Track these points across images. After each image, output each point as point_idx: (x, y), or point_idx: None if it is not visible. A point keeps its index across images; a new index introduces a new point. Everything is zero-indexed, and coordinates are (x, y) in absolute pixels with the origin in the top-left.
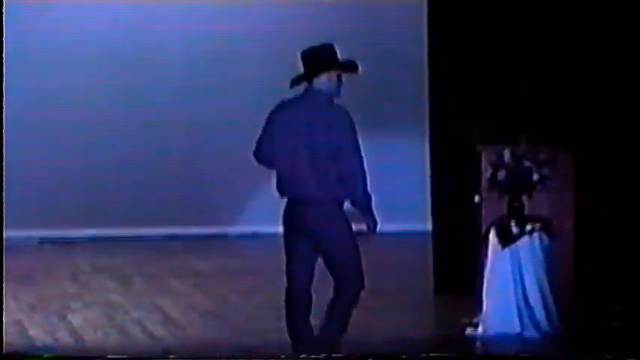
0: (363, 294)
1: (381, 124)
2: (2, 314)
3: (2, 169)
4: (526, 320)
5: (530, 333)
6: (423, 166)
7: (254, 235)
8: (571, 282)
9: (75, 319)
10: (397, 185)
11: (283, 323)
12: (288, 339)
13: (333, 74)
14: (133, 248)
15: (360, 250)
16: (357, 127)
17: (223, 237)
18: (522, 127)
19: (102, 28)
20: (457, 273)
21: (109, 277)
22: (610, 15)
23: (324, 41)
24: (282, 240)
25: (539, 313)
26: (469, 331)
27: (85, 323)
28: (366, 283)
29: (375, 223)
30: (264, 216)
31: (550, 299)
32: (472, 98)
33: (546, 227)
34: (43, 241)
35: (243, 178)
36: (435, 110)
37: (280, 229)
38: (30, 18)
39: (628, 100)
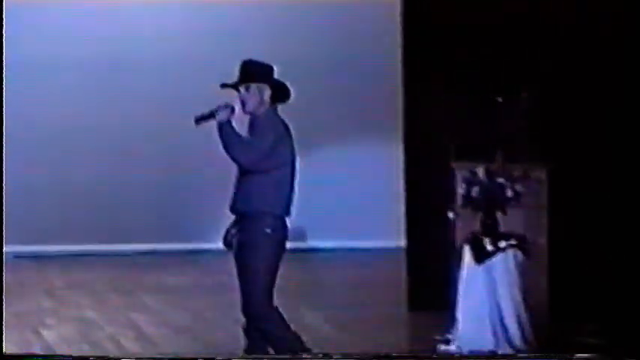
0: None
1: (354, 137)
2: (2, 316)
3: (2, 181)
4: (500, 337)
5: (504, 350)
6: (397, 181)
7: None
8: (545, 299)
9: (49, 335)
10: (370, 201)
11: None
12: (261, 353)
13: None
14: (107, 264)
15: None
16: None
17: (195, 253)
18: (496, 143)
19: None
20: (431, 290)
21: (84, 292)
22: (587, 30)
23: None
24: None
25: (513, 330)
26: (442, 347)
27: (59, 339)
28: (340, 298)
29: None
30: None
31: (524, 316)
32: (447, 113)
33: (520, 244)
34: (18, 256)
35: (215, 194)
36: (410, 125)
37: None
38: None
39: (602, 114)
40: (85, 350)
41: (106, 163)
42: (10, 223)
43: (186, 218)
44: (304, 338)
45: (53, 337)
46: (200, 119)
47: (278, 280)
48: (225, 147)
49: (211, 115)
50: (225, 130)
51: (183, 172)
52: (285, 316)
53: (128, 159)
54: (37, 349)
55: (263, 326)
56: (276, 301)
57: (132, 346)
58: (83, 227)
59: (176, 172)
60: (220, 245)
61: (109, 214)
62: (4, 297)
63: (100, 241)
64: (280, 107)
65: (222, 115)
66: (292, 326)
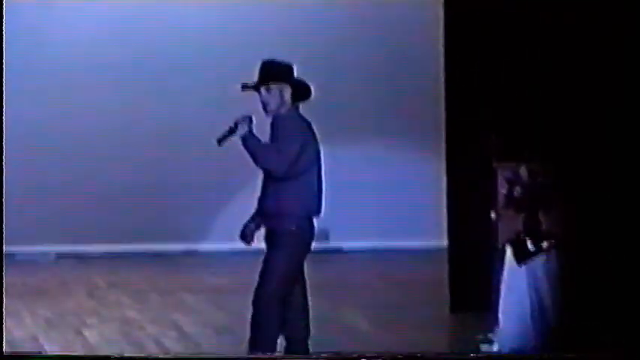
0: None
1: (396, 138)
2: (2, 315)
3: (2, 181)
4: (542, 337)
5: (546, 350)
6: (439, 181)
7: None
8: (587, 298)
9: (91, 335)
10: (412, 201)
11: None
12: (303, 353)
13: None
14: (148, 264)
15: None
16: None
17: (235, 253)
18: (538, 143)
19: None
20: (473, 290)
21: (125, 292)
22: (621, 36)
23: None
24: None
25: (555, 330)
26: (484, 347)
27: (100, 339)
28: (382, 299)
29: None
30: None
31: (566, 316)
32: (489, 113)
33: (562, 244)
34: (59, 256)
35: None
36: (452, 125)
37: None
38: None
39: None
40: (126, 350)
41: (146, 163)
42: (51, 223)
43: (225, 218)
44: (346, 338)
45: (94, 336)
46: (222, 139)
47: (318, 280)
48: (254, 159)
49: (232, 132)
50: (250, 142)
51: (222, 173)
52: (325, 315)
53: (167, 160)
54: (79, 349)
55: (259, 321)
56: (314, 301)
57: (173, 346)
58: (124, 227)
59: (216, 172)
60: (260, 245)
61: (150, 214)
62: (44, 297)
63: (141, 241)
64: (306, 106)
65: (242, 129)
66: (333, 326)
